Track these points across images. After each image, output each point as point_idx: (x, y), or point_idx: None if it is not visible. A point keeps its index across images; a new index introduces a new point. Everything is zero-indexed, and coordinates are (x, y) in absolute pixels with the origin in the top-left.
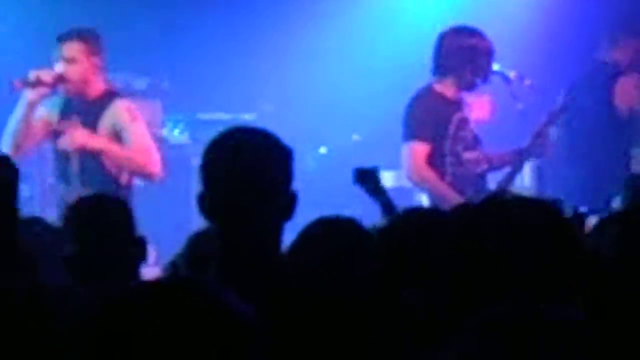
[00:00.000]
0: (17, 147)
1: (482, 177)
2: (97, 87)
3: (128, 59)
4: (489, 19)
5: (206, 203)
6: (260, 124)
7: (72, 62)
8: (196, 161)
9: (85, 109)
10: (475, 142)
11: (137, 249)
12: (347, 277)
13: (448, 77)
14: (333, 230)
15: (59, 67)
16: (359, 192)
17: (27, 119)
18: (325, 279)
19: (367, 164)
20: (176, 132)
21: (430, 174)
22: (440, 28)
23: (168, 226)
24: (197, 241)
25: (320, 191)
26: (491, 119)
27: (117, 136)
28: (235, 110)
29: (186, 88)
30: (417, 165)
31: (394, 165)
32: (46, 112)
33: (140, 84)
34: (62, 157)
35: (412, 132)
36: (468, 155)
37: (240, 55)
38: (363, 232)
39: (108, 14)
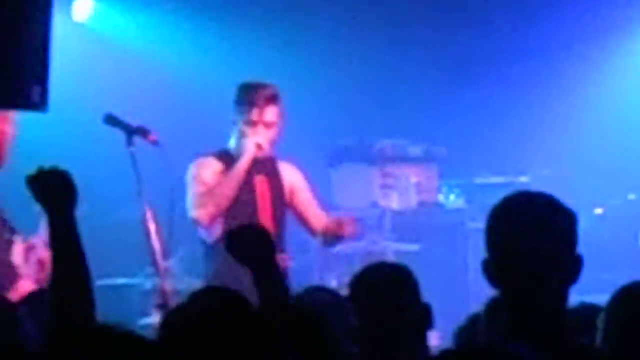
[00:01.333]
0: (216, 215)
1: None
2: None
3: (404, 126)
4: None
5: (493, 269)
6: (535, 186)
7: (271, 127)
8: (473, 225)
9: (260, 169)
10: None
11: (423, 317)
12: None
13: None
14: None
15: (257, 132)
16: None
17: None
18: None
19: None
20: (452, 196)
21: None
22: None
23: (447, 288)
24: (493, 306)
25: (596, 252)
26: None
27: (292, 195)
28: (510, 173)
29: (461, 153)
30: None
31: None
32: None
33: (416, 150)
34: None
35: None
36: None
37: (513, 119)
38: None
39: (389, 82)
